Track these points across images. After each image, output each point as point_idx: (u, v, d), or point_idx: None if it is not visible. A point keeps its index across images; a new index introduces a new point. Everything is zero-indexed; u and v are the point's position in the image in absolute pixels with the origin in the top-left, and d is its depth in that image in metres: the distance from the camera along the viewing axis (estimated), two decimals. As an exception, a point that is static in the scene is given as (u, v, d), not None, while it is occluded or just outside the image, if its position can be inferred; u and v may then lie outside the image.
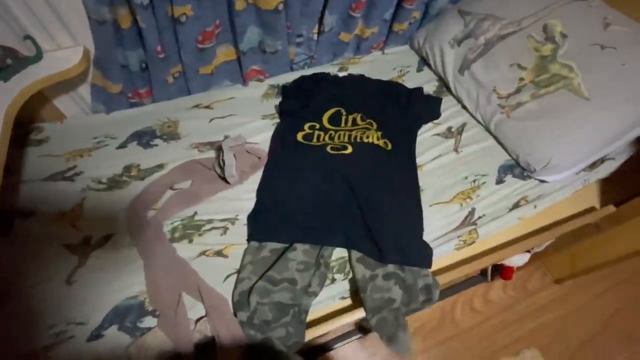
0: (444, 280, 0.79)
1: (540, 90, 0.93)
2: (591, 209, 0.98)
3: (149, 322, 0.68)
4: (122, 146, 0.95)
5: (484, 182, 0.90)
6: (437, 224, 0.83)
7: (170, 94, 1.05)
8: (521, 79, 0.96)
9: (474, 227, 0.83)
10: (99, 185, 0.87)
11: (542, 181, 0.92)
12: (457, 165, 0.94)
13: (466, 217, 0.84)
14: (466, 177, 0.91)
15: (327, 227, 0.78)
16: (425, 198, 0.86)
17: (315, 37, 1.07)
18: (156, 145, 0.96)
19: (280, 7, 0.90)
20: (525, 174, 0.93)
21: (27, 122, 0.97)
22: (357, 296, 0.74)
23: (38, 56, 0.81)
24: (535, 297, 1.46)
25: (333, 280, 0.76)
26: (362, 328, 1.22)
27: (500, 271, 1.37)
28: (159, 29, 0.85)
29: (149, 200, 0.84)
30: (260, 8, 0.90)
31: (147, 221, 0.81)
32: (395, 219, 0.80)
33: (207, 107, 1.06)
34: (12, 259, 0.74)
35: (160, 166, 0.91)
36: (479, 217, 0.85)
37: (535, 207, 0.88)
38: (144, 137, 0.97)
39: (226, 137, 0.93)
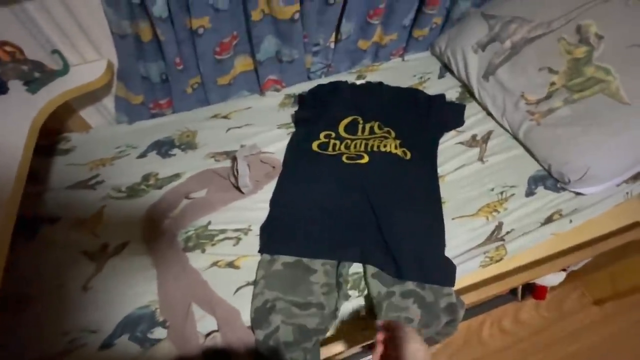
0: (468, 300, 0.74)
1: (573, 95, 0.86)
2: (635, 225, 0.88)
3: (159, 333, 0.67)
4: (142, 155, 0.97)
5: (513, 194, 0.84)
6: (460, 238, 0.78)
7: (190, 105, 1.06)
8: (552, 84, 0.90)
9: (501, 242, 0.77)
10: (118, 194, 0.89)
11: (578, 193, 0.84)
12: (482, 175, 0.88)
13: (493, 232, 0.78)
14: (492, 189, 0.85)
15: (341, 241, 0.74)
16: (448, 211, 0.81)
17: (332, 45, 1.06)
18: (174, 154, 0.97)
19: (297, 16, 0.89)
20: (558, 185, 0.86)
21: (56, 132, 1.02)
22: (371, 314, 0.70)
23: (65, 69, 0.84)
24: (572, 319, 1.35)
25: (347, 297, 0.72)
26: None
27: (533, 290, 1.27)
28: (177, 41, 0.87)
29: (165, 209, 0.85)
30: (277, 18, 0.90)
31: (162, 230, 0.81)
32: (414, 232, 0.75)
33: (225, 117, 1.06)
34: (33, 264, 0.76)
35: (177, 175, 0.92)
36: (507, 232, 0.78)
37: (570, 221, 0.81)
38: (163, 147, 0.99)
39: (242, 147, 0.92)
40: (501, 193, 0.84)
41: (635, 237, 0.88)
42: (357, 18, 1.00)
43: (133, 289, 0.72)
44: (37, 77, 0.79)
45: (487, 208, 0.82)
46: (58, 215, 0.85)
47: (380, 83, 1.07)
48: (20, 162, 0.70)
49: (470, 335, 1.32)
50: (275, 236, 0.77)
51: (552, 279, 1.13)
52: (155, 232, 0.81)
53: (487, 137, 0.96)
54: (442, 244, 0.76)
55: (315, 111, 1.01)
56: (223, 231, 0.81)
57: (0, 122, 0.77)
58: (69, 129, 1.03)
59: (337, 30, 1.02)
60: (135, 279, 0.74)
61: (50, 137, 1.00)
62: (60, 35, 0.81)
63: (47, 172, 0.94)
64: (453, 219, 0.80)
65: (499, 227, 0.79)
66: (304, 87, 1.10)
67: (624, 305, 1.31)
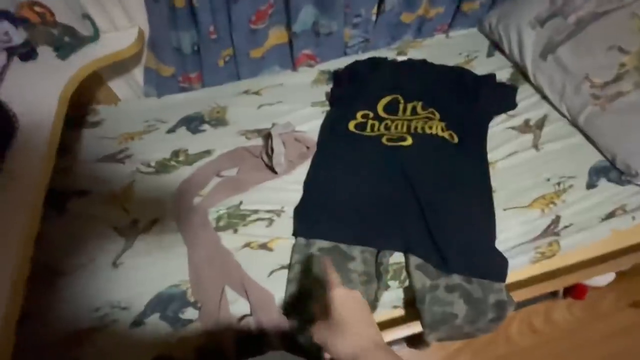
0: (517, 297, 0.68)
1: (648, 78, 0.76)
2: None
3: (190, 313, 0.65)
4: (171, 130, 0.94)
5: (571, 186, 0.77)
6: (512, 231, 0.71)
7: (220, 79, 1.02)
8: (622, 65, 0.81)
9: (556, 238, 0.71)
10: (147, 169, 0.86)
11: (645, 188, 0.76)
12: (536, 164, 0.81)
13: (549, 226, 0.72)
14: (548, 179, 0.78)
15: (382, 228, 0.69)
16: (498, 201, 0.75)
17: (373, 17, 0.98)
18: (204, 130, 0.94)
19: (340, -18, 0.82)
20: (623, 178, 0.77)
21: (84, 104, 0.99)
22: (411, 307, 0.66)
23: (95, 36, 0.81)
24: (607, 322, 1.27)
25: (386, 287, 0.68)
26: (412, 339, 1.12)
27: (573, 289, 1.20)
28: (212, 8, 0.82)
29: (196, 186, 0.82)
30: (318, -16, 0.83)
31: (193, 207, 0.78)
32: (462, 222, 0.69)
33: (256, 93, 1.02)
34: (64, 238, 0.74)
35: (208, 152, 0.89)
36: (565, 227, 0.72)
37: (633, 218, 0.73)
38: (192, 122, 0.95)
39: (274, 125, 0.87)
40: (558, 184, 0.77)
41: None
42: (404, -13, 0.91)
43: (164, 267, 0.70)
44: (67, 42, 0.75)
45: (543, 200, 0.75)
46: (88, 188, 0.83)
47: (424, 60, 0.99)
48: (50, 132, 0.68)
49: (497, 332, 1.26)
50: (310, 220, 0.73)
51: (601, 279, 1.06)
52: (186, 209, 0.78)
53: (541, 123, 0.88)
54: (492, 236, 0.70)
55: (351, 89, 0.95)
56: (255, 212, 0.78)
57: (31, 90, 0.74)
58: (97, 101, 1.01)
59: (381, 0, 0.94)
60: (166, 256, 0.72)
61: (78, 109, 0.97)
62: (92, -1, 0.77)
63: (76, 144, 0.92)
64: (505, 209, 0.74)
65: (556, 220, 0.72)
66: (340, 63, 1.04)
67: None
